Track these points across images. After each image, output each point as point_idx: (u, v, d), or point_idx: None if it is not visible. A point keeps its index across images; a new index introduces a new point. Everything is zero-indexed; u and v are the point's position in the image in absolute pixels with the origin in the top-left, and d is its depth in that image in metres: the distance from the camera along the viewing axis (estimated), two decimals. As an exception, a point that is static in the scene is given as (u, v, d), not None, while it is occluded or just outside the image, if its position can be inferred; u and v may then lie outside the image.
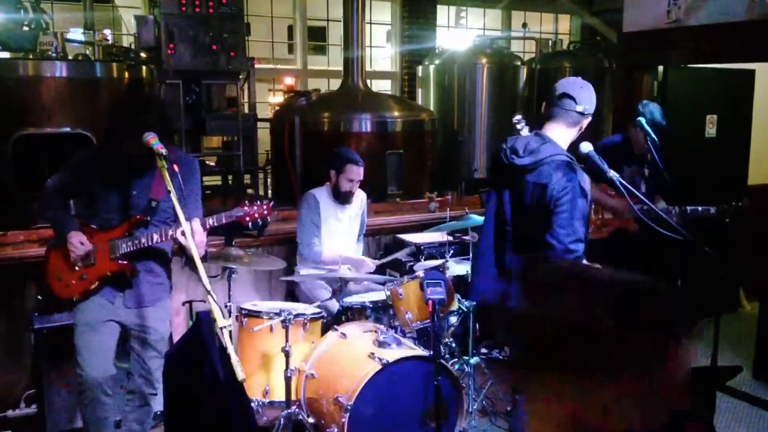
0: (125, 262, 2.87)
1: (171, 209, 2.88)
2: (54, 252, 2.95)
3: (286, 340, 3.28)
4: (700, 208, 3.81)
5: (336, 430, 3.08)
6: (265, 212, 2.79)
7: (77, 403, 3.07)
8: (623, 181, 2.93)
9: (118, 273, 2.89)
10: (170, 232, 2.73)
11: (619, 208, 3.68)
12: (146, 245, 2.81)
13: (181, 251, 2.89)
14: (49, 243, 3.04)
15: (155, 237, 2.79)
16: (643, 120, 3.98)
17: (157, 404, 3.67)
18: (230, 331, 2.33)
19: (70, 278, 2.91)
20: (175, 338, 4.23)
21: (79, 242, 2.83)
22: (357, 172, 4.10)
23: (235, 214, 2.76)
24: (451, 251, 4.23)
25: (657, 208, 3.52)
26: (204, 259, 2.84)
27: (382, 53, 9.34)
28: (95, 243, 2.87)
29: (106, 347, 2.97)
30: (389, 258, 4.28)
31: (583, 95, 2.79)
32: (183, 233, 2.67)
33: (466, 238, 4.19)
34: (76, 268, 2.89)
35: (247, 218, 2.78)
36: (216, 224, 2.75)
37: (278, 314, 3.35)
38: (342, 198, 4.17)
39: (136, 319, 2.98)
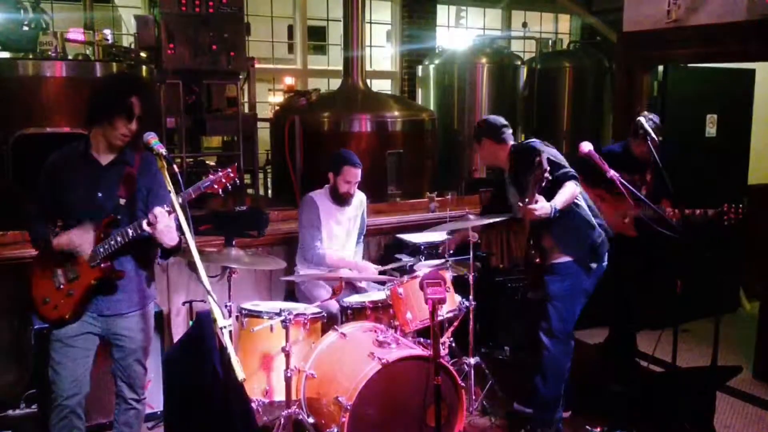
0: (107, 265, 2.78)
1: (141, 210, 2.84)
2: (34, 276, 2.85)
3: (286, 340, 3.28)
4: (698, 211, 3.83)
5: (336, 430, 3.08)
6: (231, 174, 2.71)
7: (49, 420, 2.89)
8: (624, 181, 2.94)
9: (102, 279, 2.79)
10: (143, 224, 2.67)
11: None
12: (123, 242, 2.74)
13: (156, 243, 2.82)
14: (28, 268, 2.92)
15: (130, 232, 2.72)
16: (647, 126, 3.96)
17: (157, 404, 3.69)
18: (230, 331, 2.32)
19: (58, 298, 2.80)
20: (175, 338, 4.25)
21: (74, 236, 2.75)
22: (354, 173, 4.11)
23: (202, 185, 2.69)
24: (451, 251, 4.23)
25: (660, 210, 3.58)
26: (178, 248, 2.81)
27: (382, 53, 9.33)
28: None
29: (82, 364, 2.86)
30: (392, 266, 4.29)
31: None
32: (149, 223, 2.64)
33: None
34: (61, 286, 2.80)
35: (216, 185, 2.70)
36: (187, 200, 2.66)
37: (278, 314, 3.35)
38: (341, 199, 4.17)
39: (118, 327, 2.90)
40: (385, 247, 5.07)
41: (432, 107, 7.18)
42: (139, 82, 2.87)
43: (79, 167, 2.82)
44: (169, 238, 2.71)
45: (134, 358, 2.96)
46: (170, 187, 2.51)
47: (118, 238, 2.74)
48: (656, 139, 3.81)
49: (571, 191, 3.40)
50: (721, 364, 3.63)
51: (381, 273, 4.18)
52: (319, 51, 10.08)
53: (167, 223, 2.63)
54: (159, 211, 2.62)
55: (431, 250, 4.49)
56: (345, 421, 3.00)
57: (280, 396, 3.41)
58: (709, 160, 5.36)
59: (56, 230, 2.84)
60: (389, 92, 8.57)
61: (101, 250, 2.76)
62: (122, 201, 2.82)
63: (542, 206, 3.23)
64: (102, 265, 2.78)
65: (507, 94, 7.21)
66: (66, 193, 2.82)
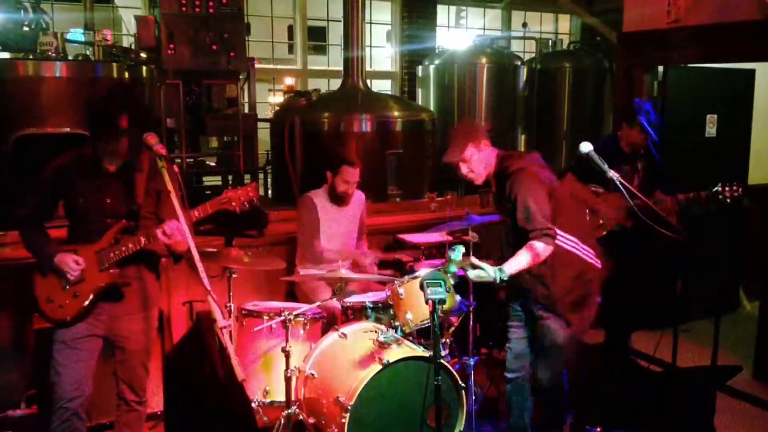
0: (116, 271, 2.77)
1: (152, 213, 2.86)
2: (38, 275, 2.82)
3: (286, 340, 3.28)
4: (691, 195, 3.87)
5: (336, 430, 3.08)
6: (251, 193, 2.73)
7: (50, 422, 2.86)
8: (623, 181, 2.94)
9: (110, 284, 2.79)
10: (157, 233, 2.69)
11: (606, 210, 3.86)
12: (134, 250, 2.74)
13: (169, 251, 2.85)
14: (31, 269, 2.87)
15: (143, 240, 2.72)
16: (644, 119, 4.00)
17: (157, 404, 3.69)
18: (230, 331, 2.32)
19: (63, 298, 2.78)
20: (175, 338, 4.25)
21: (73, 262, 2.73)
22: (352, 173, 4.10)
23: (220, 201, 2.71)
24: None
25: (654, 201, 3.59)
26: (188, 251, 2.81)
27: (382, 53, 9.34)
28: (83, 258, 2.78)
29: (85, 366, 2.84)
30: (391, 255, 4.30)
31: None
32: (164, 233, 2.66)
33: (466, 238, 4.19)
34: (67, 287, 2.78)
35: (234, 203, 2.71)
36: (203, 215, 2.69)
37: (278, 314, 3.35)
38: (339, 199, 4.17)
39: (122, 329, 2.90)
40: (385, 247, 5.06)
41: (432, 107, 7.19)
42: (125, 97, 2.77)
43: (87, 173, 2.80)
44: (182, 246, 2.72)
45: (137, 360, 2.96)
46: (170, 187, 2.51)
47: (130, 245, 2.74)
48: (656, 139, 3.83)
49: (529, 258, 2.87)
50: (721, 364, 3.63)
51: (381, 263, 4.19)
52: (319, 51, 10.09)
53: (183, 233, 2.62)
54: (175, 226, 2.63)
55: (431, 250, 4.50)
56: (345, 421, 3.00)
57: (280, 396, 3.41)
58: (709, 160, 5.36)
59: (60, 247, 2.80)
60: (389, 92, 8.57)
61: (111, 255, 2.75)
62: (135, 206, 2.81)
63: (478, 275, 2.81)
64: (111, 270, 2.77)
65: (507, 94, 7.22)
66: (74, 198, 2.81)
